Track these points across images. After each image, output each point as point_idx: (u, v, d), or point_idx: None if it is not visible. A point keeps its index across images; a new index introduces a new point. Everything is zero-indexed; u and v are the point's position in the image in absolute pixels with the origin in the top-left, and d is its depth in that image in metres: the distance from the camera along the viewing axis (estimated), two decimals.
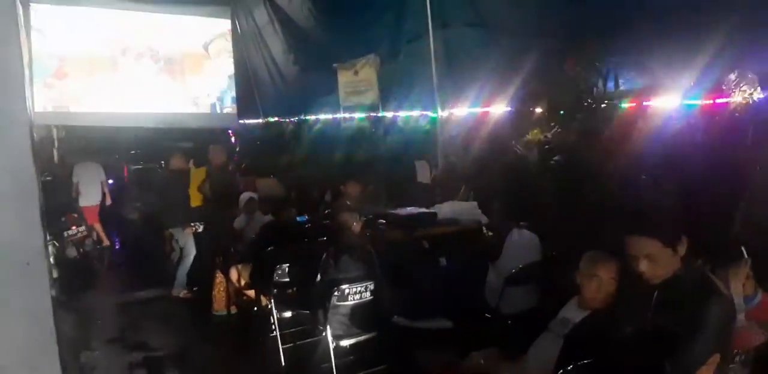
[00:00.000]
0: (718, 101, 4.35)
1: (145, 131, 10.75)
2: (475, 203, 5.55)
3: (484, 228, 5.07)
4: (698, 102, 4.66)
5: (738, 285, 2.88)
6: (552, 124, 5.54)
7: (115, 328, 5.39)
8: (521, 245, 4.37)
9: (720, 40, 4.10)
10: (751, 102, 3.99)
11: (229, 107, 11.47)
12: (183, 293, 6.30)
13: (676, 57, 4.63)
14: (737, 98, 4.11)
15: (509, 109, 6.10)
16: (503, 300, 4.11)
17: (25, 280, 1.54)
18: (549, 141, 5.51)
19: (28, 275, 1.54)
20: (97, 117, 10.23)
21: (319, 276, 4.07)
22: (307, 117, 9.74)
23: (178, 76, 11.04)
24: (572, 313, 2.96)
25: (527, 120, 5.79)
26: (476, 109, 6.56)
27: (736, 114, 4.07)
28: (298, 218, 5.78)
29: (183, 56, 11.02)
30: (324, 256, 4.12)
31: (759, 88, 3.97)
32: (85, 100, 10.26)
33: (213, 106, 11.44)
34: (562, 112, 5.40)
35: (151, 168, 10.25)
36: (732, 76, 4.07)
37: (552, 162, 5.38)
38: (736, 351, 2.83)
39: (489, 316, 4.21)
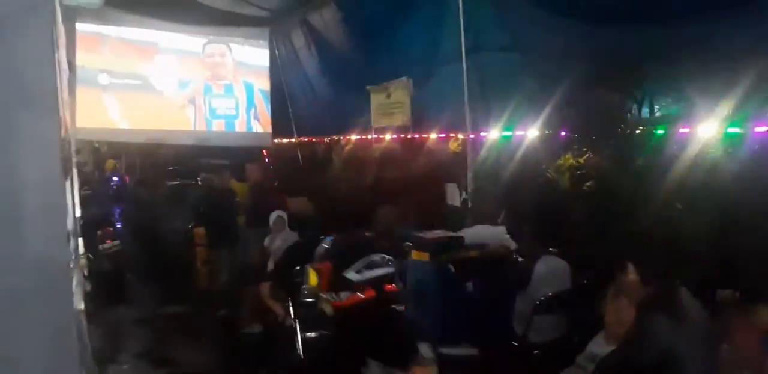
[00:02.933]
0: (759, 129, 4.24)
1: (183, 148, 10.98)
2: (504, 228, 5.48)
3: (513, 254, 4.98)
4: (740, 130, 4.55)
5: None
6: (584, 149, 5.48)
7: (144, 342, 5.44)
8: (551, 272, 4.28)
9: (761, 67, 4.02)
10: None
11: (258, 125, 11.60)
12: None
13: (714, 84, 4.54)
14: None
15: (541, 133, 6.06)
16: (531, 328, 4.03)
17: (50, 294, 1.56)
18: (581, 167, 5.43)
19: (53, 290, 1.57)
20: (137, 134, 10.51)
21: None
22: (340, 137, 9.84)
23: (213, 95, 11.29)
24: (600, 348, 2.88)
25: (559, 145, 5.73)
26: (508, 132, 6.54)
27: None
28: (327, 238, 5.78)
29: (215, 75, 11.28)
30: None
31: None
32: (127, 117, 10.55)
33: (248, 125, 11.63)
34: (594, 137, 5.33)
35: (189, 184, 10.42)
36: None
37: (584, 188, 5.30)
38: None
39: (516, 344, 4.12)
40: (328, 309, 3.82)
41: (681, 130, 4.91)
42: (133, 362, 5.02)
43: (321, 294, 3.97)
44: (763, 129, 4.31)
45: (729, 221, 4.15)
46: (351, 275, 3.89)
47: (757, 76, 4.00)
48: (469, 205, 6.65)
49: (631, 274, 2.84)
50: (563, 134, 5.94)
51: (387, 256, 4.11)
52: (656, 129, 5.14)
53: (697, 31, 4.56)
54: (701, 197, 4.45)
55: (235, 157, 9.94)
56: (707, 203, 4.38)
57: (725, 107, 4.45)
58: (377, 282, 3.87)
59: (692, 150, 4.66)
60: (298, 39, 10.55)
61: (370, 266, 3.94)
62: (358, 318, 3.76)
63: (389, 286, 3.94)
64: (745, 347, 2.77)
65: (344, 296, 3.88)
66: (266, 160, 12.29)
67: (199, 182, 9.31)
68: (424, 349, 3.53)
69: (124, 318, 6.16)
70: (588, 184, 5.39)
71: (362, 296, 3.79)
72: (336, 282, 4.07)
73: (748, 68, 4.00)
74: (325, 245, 4.91)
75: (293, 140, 11.96)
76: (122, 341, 5.42)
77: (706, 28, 4.45)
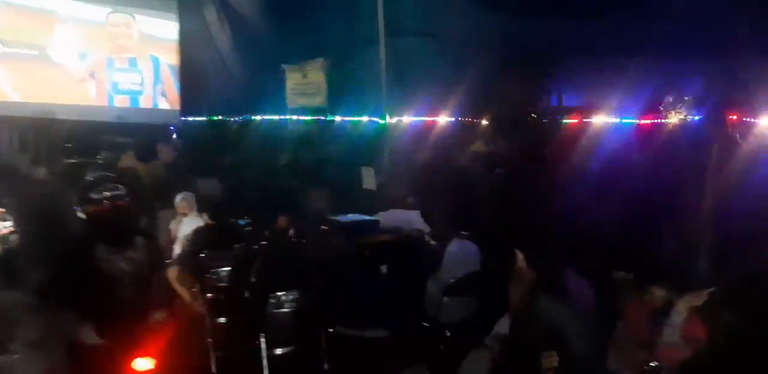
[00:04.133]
0: (654, 120, 4.54)
1: (82, 124, 10.28)
2: (418, 212, 5.55)
3: (426, 237, 5.07)
4: (635, 121, 4.84)
5: (661, 300, 3.00)
6: (496, 136, 5.63)
7: (38, 331, 5.08)
8: (461, 255, 4.39)
9: (659, 62, 4.28)
10: (685, 124, 4.19)
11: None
12: None
13: (616, 77, 4.79)
14: (673, 119, 4.29)
15: (455, 119, 6.18)
16: (441, 310, 4.12)
17: None
18: (492, 153, 5.59)
19: None
20: (30, 107, 9.71)
21: (254, 282, 3.96)
22: (253, 117, 9.57)
23: (115, 69, 10.62)
24: (506, 329, 2.98)
25: (472, 131, 5.86)
26: (424, 117, 6.61)
27: (672, 134, 4.25)
28: (239, 222, 5.63)
29: (119, 48, 10.61)
30: (260, 261, 4.02)
31: (694, 110, 4.16)
32: (19, 89, 9.73)
33: (154, 101, 11.05)
34: (505, 125, 5.50)
35: (88, 163, 9.78)
36: (669, 98, 4.25)
37: (495, 174, 5.46)
38: (662, 365, 2.93)
39: (427, 325, 4.21)
40: None
41: (584, 119, 5.16)
42: (25, 352, 4.67)
43: None
44: (654, 120, 4.61)
45: (625, 208, 4.42)
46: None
47: (648, 69, 4.25)
48: (385, 189, 6.68)
49: (521, 260, 2.94)
50: (476, 120, 6.09)
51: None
52: (563, 118, 5.37)
53: (601, 24, 4.79)
54: (601, 185, 4.71)
55: (139, 135, 9.43)
56: (606, 190, 4.64)
57: (622, 98, 4.72)
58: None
59: (593, 139, 4.92)
60: (210, 13, 10.10)
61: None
62: None
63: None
64: (637, 324, 2.97)
65: None
66: (173, 138, 11.76)
67: (100, 161, 8.77)
68: None
69: (16, 305, 5.72)
70: (498, 170, 5.55)
71: None
72: None
73: (650, 62, 4.24)
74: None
75: (203, 118, 11.49)
76: (13, 330, 5.03)
77: (609, 22, 4.68)
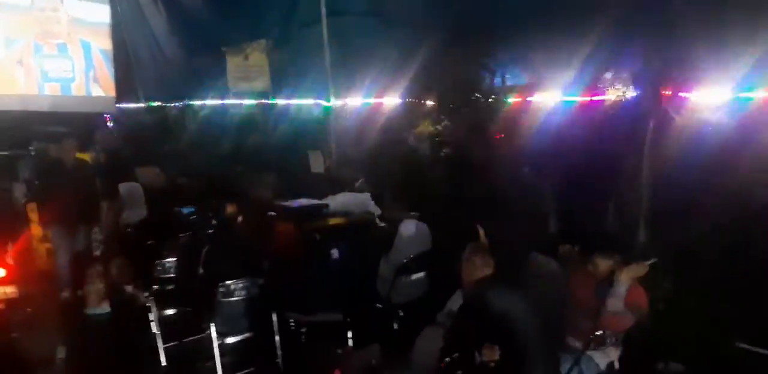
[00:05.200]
0: (594, 98, 4.64)
1: (10, 114, 9.74)
2: (368, 195, 5.54)
3: (377, 219, 5.07)
4: (576, 99, 4.94)
5: (605, 271, 3.11)
6: (442, 117, 5.66)
7: None
8: (412, 235, 4.41)
9: (598, 40, 4.36)
10: (623, 100, 4.30)
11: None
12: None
13: (557, 55, 4.86)
14: (611, 96, 4.41)
15: (402, 100, 6.16)
16: (394, 290, 4.14)
17: None
18: (439, 134, 5.62)
19: None
20: None
21: (202, 271, 3.87)
22: (193, 102, 9.27)
23: (44, 55, 10.09)
24: (457, 305, 3.02)
25: (419, 112, 5.87)
26: (370, 99, 6.57)
27: (611, 111, 4.37)
28: (183, 210, 5.47)
29: (47, 33, 10.06)
30: (208, 250, 3.92)
31: (631, 87, 4.28)
32: None
33: (87, 88, 10.57)
34: (451, 105, 5.52)
35: (20, 155, 9.30)
36: (608, 75, 4.36)
37: (442, 154, 5.49)
38: (609, 332, 3.05)
39: (380, 306, 4.22)
40: None
41: (527, 98, 5.23)
42: None
43: None
44: (598, 98, 4.72)
45: (568, 184, 4.53)
46: None
47: (597, 46, 4.32)
48: (333, 172, 6.63)
49: (482, 236, 3.00)
50: (422, 101, 6.09)
51: None
52: (507, 97, 5.43)
53: (541, 3, 4.84)
54: (544, 161, 4.80)
55: (73, 124, 9.01)
56: (550, 166, 4.74)
57: (564, 76, 4.80)
58: None
59: (536, 117, 5.00)
60: None
61: None
62: None
63: None
64: (583, 295, 3.06)
65: None
66: (109, 126, 11.31)
67: (32, 153, 8.35)
68: None
69: None
70: (445, 150, 5.59)
71: None
72: None
73: (590, 39, 4.31)
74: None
75: (141, 105, 11.06)
76: None
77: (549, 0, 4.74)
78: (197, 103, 9.16)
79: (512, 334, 2.49)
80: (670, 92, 4.33)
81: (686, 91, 4.46)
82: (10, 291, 4.68)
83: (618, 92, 4.37)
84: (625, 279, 3.01)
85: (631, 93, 4.30)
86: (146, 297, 4.50)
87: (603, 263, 3.16)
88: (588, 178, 4.31)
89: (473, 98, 5.67)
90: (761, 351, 3.28)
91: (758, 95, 4.72)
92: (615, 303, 2.97)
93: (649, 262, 3.09)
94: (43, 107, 9.85)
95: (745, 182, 4.20)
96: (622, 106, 4.39)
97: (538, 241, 3.29)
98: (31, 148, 8.51)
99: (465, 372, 2.55)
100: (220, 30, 8.02)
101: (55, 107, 9.96)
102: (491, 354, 2.48)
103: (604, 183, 4.23)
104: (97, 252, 5.40)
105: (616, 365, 3.14)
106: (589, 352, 2.97)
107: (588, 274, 3.20)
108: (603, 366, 3.06)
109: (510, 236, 3.09)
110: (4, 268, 4.60)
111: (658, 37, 4.16)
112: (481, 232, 3.00)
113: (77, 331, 4.96)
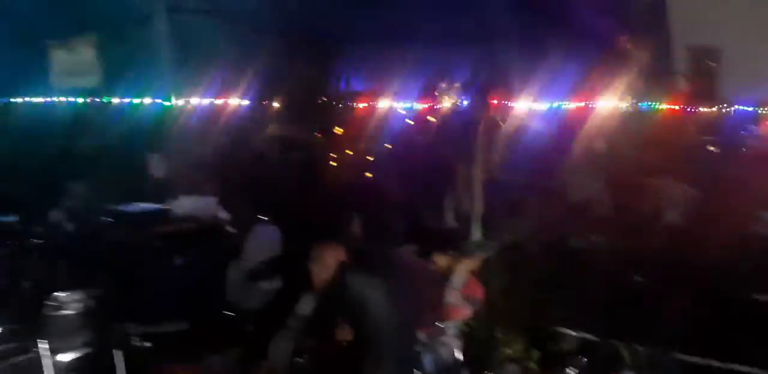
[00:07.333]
0: (431, 105, 4.97)
1: None
2: (213, 199, 5.39)
3: (225, 225, 4.96)
4: (415, 105, 5.25)
5: (444, 266, 3.36)
6: (288, 119, 5.68)
7: None
8: (263, 240, 4.38)
9: (430, 52, 4.68)
10: (456, 107, 4.66)
11: None
12: None
13: (395, 64, 5.12)
14: (446, 103, 4.75)
15: (247, 102, 6.08)
16: (245, 296, 4.09)
17: None
18: (286, 136, 5.64)
19: None
20: None
21: (28, 284, 3.54)
22: (13, 100, 8.30)
23: None
24: (308, 307, 3.08)
25: (265, 114, 5.83)
26: (214, 100, 6.39)
27: (445, 117, 4.71)
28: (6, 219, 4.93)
29: None
30: (33, 260, 3.59)
31: (462, 96, 4.65)
32: None
33: None
34: (296, 108, 5.57)
35: None
36: (443, 85, 4.69)
37: (289, 157, 5.52)
38: (448, 323, 3.29)
39: (230, 314, 4.14)
40: None
41: (370, 103, 5.45)
42: None
43: None
44: (431, 104, 5.05)
45: (408, 186, 4.79)
46: None
47: (434, 56, 4.62)
48: (176, 176, 6.34)
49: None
50: (268, 103, 6.06)
51: None
52: (351, 102, 5.60)
53: (381, 11, 5.06)
54: (386, 165, 5.03)
55: None
56: (391, 170, 4.98)
57: (403, 83, 5.08)
58: None
59: (379, 122, 5.22)
60: None
61: None
62: None
63: None
64: (425, 289, 3.28)
65: None
66: None
67: None
68: None
69: None
70: (293, 154, 5.62)
71: None
72: None
73: (428, 49, 4.60)
74: None
75: None
76: None
77: (389, 9, 4.97)
78: (18, 100, 8.21)
79: (365, 316, 2.61)
80: (497, 101, 4.78)
81: (511, 100, 4.94)
82: None
83: (452, 100, 4.73)
84: (461, 273, 3.28)
85: (462, 101, 4.67)
86: None
87: (441, 260, 3.41)
88: (426, 181, 4.60)
89: (319, 101, 5.76)
90: (578, 334, 3.67)
91: (572, 104, 5.39)
92: (453, 295, 3.22)
93: (483, 257, 3.39)
94: None
95: (561, 182, 4.77)
96: (455, 113, 4.75)
97: (384, 239, 3.47)
98: None
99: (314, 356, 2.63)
100: (42, 23, 7.28)
101: None
102: (345, 335, 2.58)
103: (441, 184, 4.54)
104: None
105: (458, 354, 3.38)
106: (431, 343, 3.18)
107: (428, 269, 3.43)
108: (445, 355, 3.29)
109: (360, 235, 3.22)
110: None
111: (484, 50, 4.57)
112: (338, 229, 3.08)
113: None
